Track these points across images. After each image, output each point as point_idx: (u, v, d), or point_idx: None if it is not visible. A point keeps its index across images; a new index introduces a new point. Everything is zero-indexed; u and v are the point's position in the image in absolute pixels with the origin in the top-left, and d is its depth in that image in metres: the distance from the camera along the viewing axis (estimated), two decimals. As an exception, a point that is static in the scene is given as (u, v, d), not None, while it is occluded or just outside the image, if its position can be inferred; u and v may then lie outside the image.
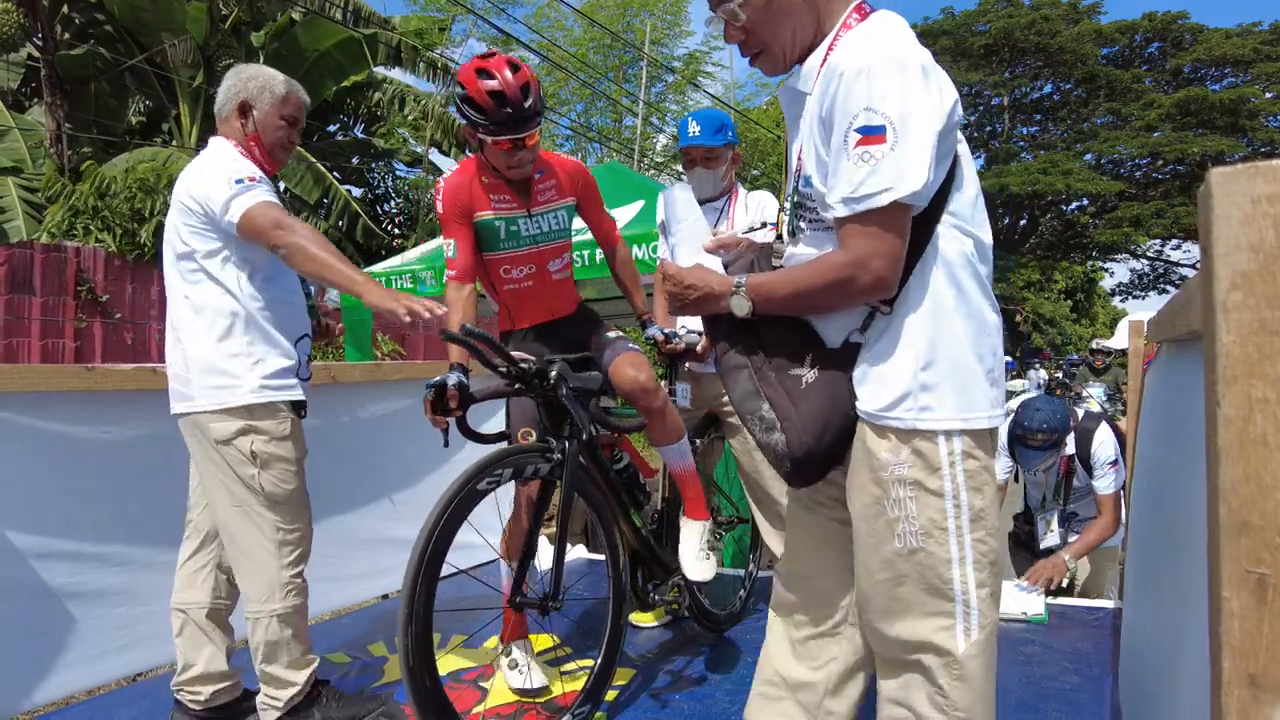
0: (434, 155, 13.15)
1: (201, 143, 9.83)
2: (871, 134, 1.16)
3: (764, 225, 2.48)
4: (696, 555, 2.32)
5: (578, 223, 2.47)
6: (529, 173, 2.26)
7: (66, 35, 9.47)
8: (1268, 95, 23.17)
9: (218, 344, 2.01)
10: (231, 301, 2.02)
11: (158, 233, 6.95)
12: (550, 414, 2.05)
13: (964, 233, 1.26)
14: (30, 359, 6.15)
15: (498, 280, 2.41)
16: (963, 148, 1.29)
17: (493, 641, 2.69)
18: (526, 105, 2.09)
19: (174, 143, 10.26)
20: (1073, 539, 3.28)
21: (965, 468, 1.26)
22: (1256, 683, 0.53)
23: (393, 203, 12.91)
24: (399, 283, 5.19)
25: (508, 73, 2.09)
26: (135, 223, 6.89)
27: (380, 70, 11.79)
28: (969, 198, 1.28)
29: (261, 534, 2.02)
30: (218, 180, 1.98)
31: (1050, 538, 3.32)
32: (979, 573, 1.27)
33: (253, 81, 2.14)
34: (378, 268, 5.58)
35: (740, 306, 1.32)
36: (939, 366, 1.24)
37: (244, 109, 2.13)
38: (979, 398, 1.26)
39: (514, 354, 1.91)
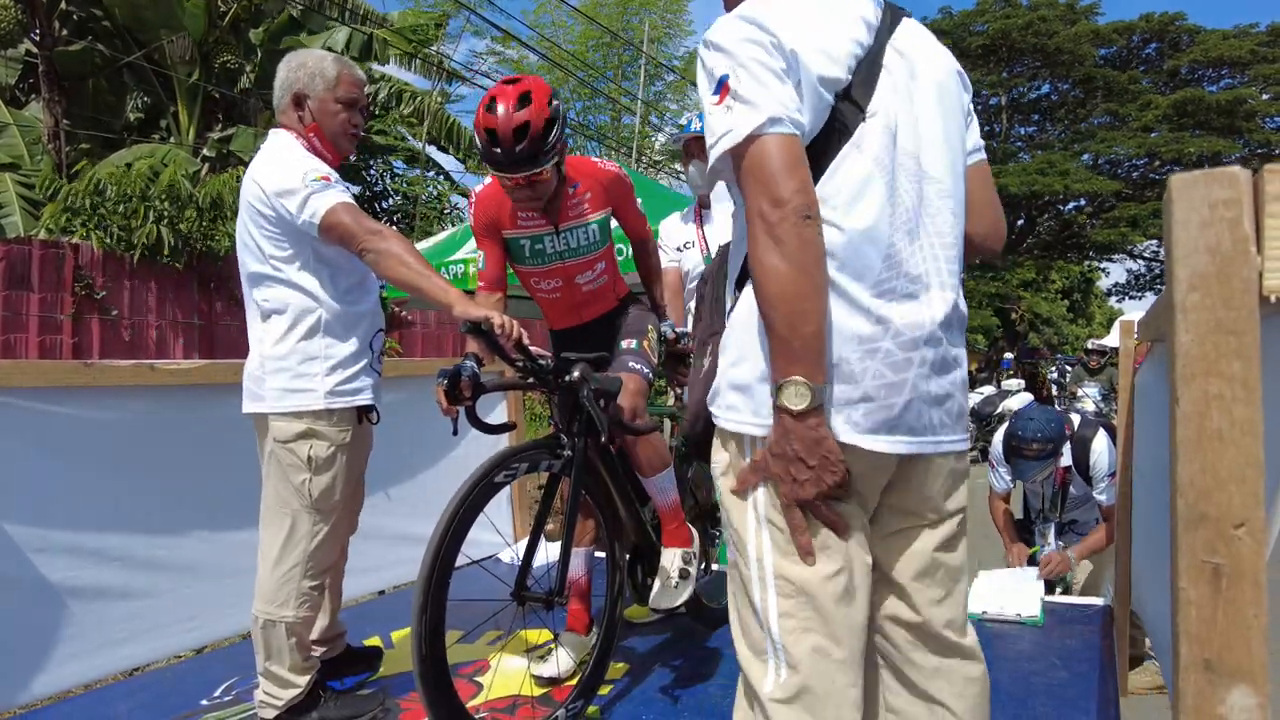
0: (431, 152, 13.16)
1: (199, 139, 9.89)
2: (722, 86, 1.12)
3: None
4: (664, 585, 2.27)
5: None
6: (537, 207, 2.24)
7: (64, 31, 9.46)
8: (1265, 96, 23.20)
9: (296, 345, 1.99)
10: (312, 303, 2.00)
11: (149, 237, 6.94)
12: (563, 411, 2.06)
13: (824, 220, 1.11)
14: (28, 355, 6.16)
15: (530, 289, 2.47)
16: (869, 127, 1.14)
17: (490, 636, 2.71)
18: (518, 149, 2.02)
19: (172, 139, 10.25)
20: (1073, 547, 3.29)
21: (771, 482, 1.12)
22: (1212, 667, 0.55)
23: (390, 200, 12.91)
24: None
25: (505, 108, 2.03)
26: (131, 221, 6.88)
27: (378, 67, 11.79)
28: (850, 183, 1.13)
29: (294, 539, 2.02)
30: (289, 180, 1.93)
31: (1048, 550, 3.34)
32: (782, 600, 1.11)
33: (303, 69, 2.08)
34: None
35: (798, 396, 1.05)
36: (747, 364, 1.14)
37: (298, 100, 2.07)
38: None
39: (533, 350, 1.92)
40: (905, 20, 1.25)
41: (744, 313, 1.17)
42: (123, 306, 6.93)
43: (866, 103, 1.14)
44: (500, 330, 1.80)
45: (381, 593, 3.55)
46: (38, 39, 8.90)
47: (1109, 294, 34.84)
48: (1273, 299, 0.53)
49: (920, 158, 1.18)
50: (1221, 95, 23.00)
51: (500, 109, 2.03)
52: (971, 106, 1.33)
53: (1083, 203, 25.27)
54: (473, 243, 5.39)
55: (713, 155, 1.13)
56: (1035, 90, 27.16)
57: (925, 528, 1.24)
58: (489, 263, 2.36)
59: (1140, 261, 29.21)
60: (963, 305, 1.23)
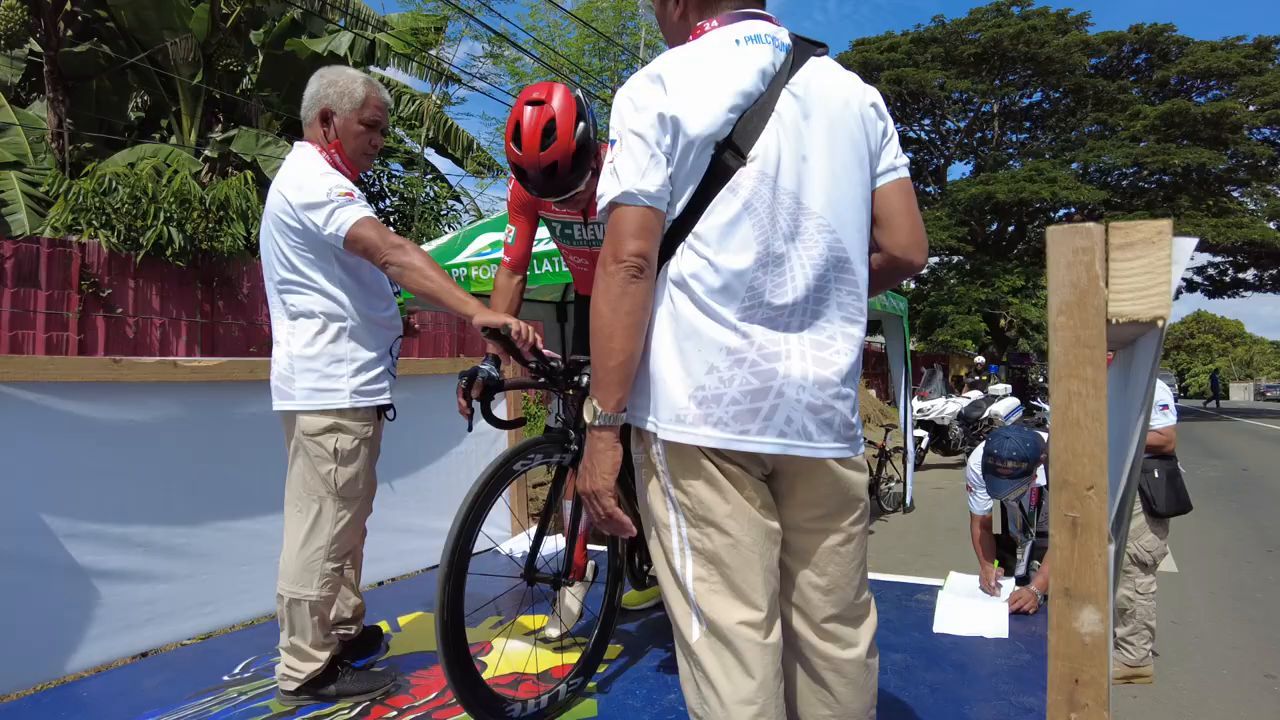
0: (430, 154, 13.30)
1: (201, 140, 10.01)
2: (613, 146, 1.32)
3: None
4: None
5: None
6: (577, 210, 2.37)
7: (69, 32, 9.56)
8: (1250, 108, 23.54)
9: (325, 348, 2.13)
10: (340, 310, 2.14)
11: (158, 238, 7.06)
12: (571, 409, 2.21)
13: (698, 254, 1.30)
14: (35, 352, 6.29)
15: (563, 253, 2.60)
16: (746, 172, 1.29)
17: (491, 621, 2.88)
18: (548, 184, 2.12)
19: (172, 138, 10.38)
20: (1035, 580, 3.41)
21: (669, 466, 1.33)
22: (1070, 594, 0.73)
23: (388, 201, 13.03)
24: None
25: (530, 147, 2.06)
26: (138, 220, 7.01)
27: (377, 70, 11.92)
28: (720, 223, 1.29)
29: (320, 524, 2.17)
30: (315, 195, 2.05)
31: (1020, 568, 3.49)
32: (697, 567, 1.32)
33: (333, 87, 2.19)
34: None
35: (591, 412, 1.32)
36: (640, 369, 1.33)
37: (325, 116, 2.19)
38: (664, 406, 1.31)
39: (545, 352, 2.07)
40: (812, 60, 1.38)
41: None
42: (127, 304, 7.06)
43: (748, 149, 1.29)
44: (517, 335, 1.97)
45: (381, 584, 3.68)
46: (42, 39, 9.01)
47: (1097, 301, 35.19)
48: (1115, 322, 0.71)
49: (800, 196, 1.32)
50: (1208, 107, 23.31)
51: (523, 148, 2.09)
52: (889, 127, 1.45)
53: (1073, 210, 25.57)
54: (474, 246, 5.54)
55: (599, 207, 1.34)
56: (1027, 98, 27.49)
57: (818, 529, 1.40)
58: (518, 239, 2.46)
59: (1128, 269, 29.47)
60: (842, 321, 1.36)
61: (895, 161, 1.45)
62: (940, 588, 3.23)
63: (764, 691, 1.29)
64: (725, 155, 1.29)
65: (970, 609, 2.95)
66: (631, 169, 1.28)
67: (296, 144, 2.27)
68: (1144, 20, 25.64)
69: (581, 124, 2.12)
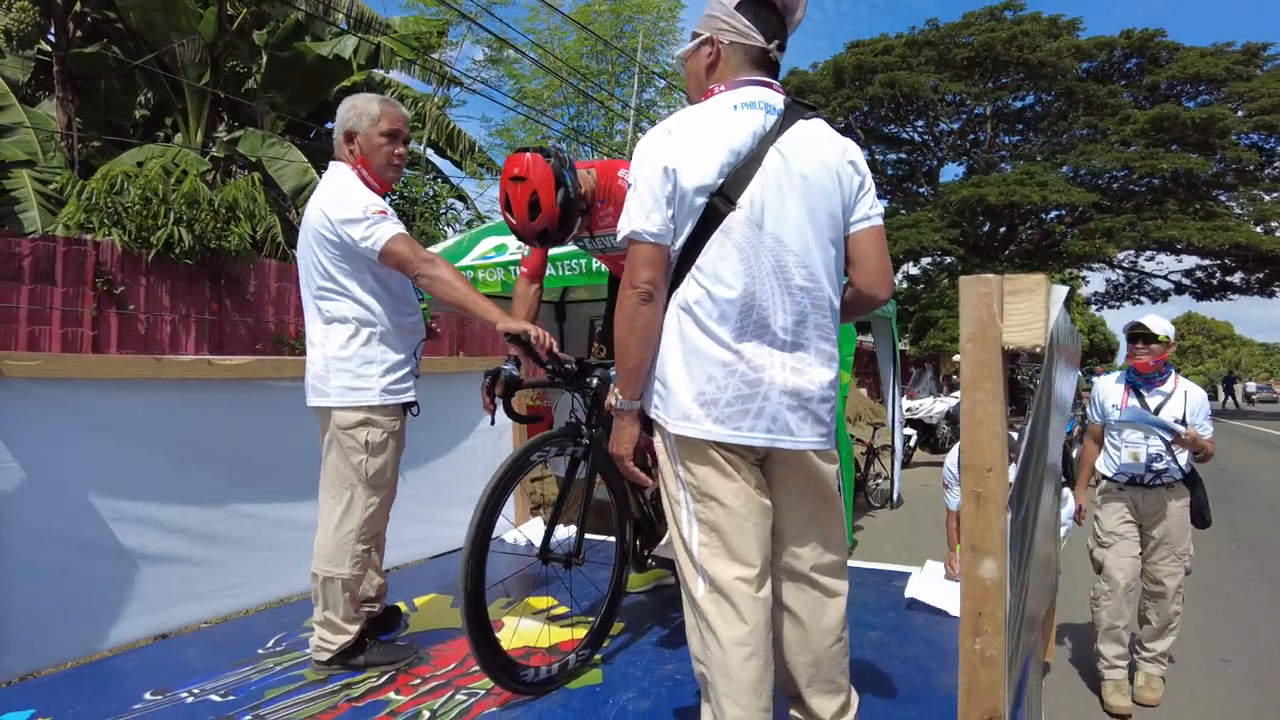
0: (430, 156, 13.49)
1: (207, 140, 10.19)
2: (630, 188, 1.62)
3: None
4: (671, 541, 2.68)
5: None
6: (583, 231, 2.60)
7: (79, 33, 9.73)
8: (1238, 114, 23.85)
9: (358, 351, 2.35)
10: (371, 316, 2.36)
11: (168, 237, 7.24)
12: (584, 406, 2.45)
13: (699, 284, 1.58)
14: (51, 348, 6.49)
15: None
16: (736, 217, 1.55)
17: (502, 602, 3.11)
18: (545, 240, 2.39)
19: (177, 137, 10.56)
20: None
21: (679, 453, 1.62)
22: (975, 549, 0.98)
23: (387, 199, 13.20)
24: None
25: (520, 218, 2.32)
26: (149, 220, 7.20)
27: (381, 72, 12.11)
28: (715, 258, 1.56)
29: (352, 509, 2.39)
30: (353, 211, 2.28)
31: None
32: (701, 534, 1.62)
33: (351, 111, 2.43)
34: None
35: (615, 398, 1.71)
36: (658, 375, 1.65)
37: (349, 137, 2.42)
38: (673, 407, 1.61)
39: (560, 355, 2.31)
40: (799, 123, 1.64)
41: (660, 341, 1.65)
42: (139, 302, 7.25)
43: (737, 196, 1.56)
44: (536, 341, 2.21)
45: (388, 570, 3.88)
46: (53, 40, 9.18)
47: (1088, 303, 35.56)
48: (1007, 348, 0.96)
49: (780, 237, 1.58)
50: (1197, 112, 23.58)
51: (515, 219, 2.36)
52: (865, 182, 1.70)
53: (1062, 212, 25.87)
54: (479, 249, 5.75)
55: (617, 239, 1.69)
56: (1019, 101, 27.76)
57: (799, 498, 1.70)
58: (534, 251, 2.68)
59: (1119, 271, 29.89)
60: (818, 339, 1.62)
61: (870, 212, 1.71)
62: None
63: (755, 636, 1.56)
64: (717, 201, 1.57)
65: (941, 587, 3.19)
66: (639, 211, 1.59)
67: (331, 164, 2.49)
68: (1135, 25, 25.84)
69: (561, 190, 2.33)
